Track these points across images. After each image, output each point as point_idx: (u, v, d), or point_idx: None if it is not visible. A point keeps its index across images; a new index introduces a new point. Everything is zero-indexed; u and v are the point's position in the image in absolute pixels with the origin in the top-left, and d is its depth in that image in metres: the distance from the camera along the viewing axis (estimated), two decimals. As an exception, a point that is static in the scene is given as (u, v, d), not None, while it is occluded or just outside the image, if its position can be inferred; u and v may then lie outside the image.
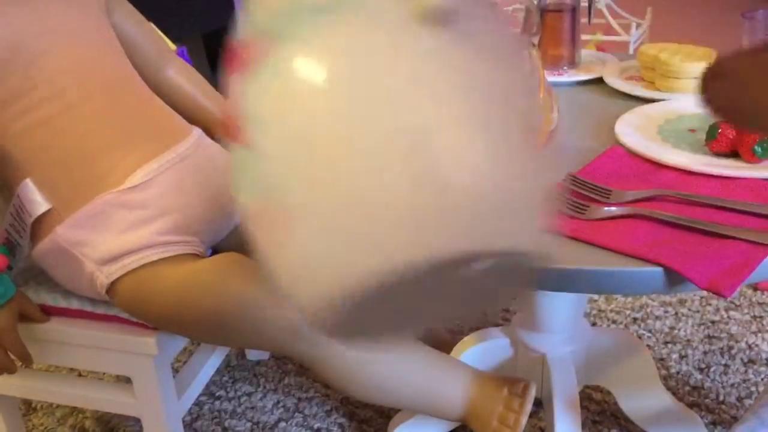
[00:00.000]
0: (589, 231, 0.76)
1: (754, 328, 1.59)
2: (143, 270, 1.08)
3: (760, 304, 1.66)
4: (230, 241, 1.30)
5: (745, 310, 1.65)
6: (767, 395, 0.93)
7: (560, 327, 1.18)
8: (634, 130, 0.97)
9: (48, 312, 1.19)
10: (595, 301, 1.71)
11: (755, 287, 1.71)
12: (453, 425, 1.31)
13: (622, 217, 0.79)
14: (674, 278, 0.70)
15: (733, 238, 0.73)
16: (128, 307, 1.10)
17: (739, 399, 1.41)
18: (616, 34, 1.99)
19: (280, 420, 1.43)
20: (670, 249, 0.72)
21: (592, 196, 0.83)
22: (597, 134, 1.01)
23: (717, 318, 1.63)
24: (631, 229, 0.76)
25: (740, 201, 0.79)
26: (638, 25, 2.07)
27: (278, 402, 1.48)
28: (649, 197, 0.82)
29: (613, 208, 0.80)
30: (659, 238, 0.74)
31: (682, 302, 1.69)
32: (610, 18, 1.97)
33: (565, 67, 1.25)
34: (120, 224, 1.08)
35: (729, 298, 1.68)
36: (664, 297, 1.70)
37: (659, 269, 0.71)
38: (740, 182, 0.84)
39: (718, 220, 0.76)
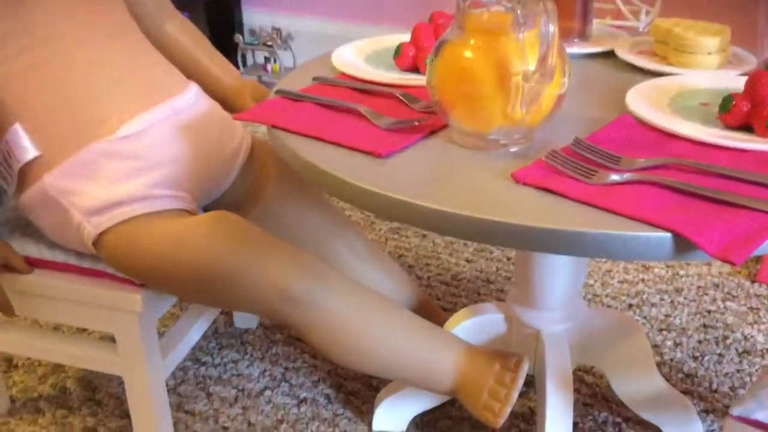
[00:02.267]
0: (598, 195, 0.74)
1: (750, 319, 1.57)
2: (132, 223, 1.05)
3: (757, 296, 1.64)
4: (223, 202, 1.27)
5: (742, 301, 1.63)
6: (766, 378, 0.91)
7: (556, 304, 1.16)
8: (645, 101, 0.94)
9: (32, 264, 1.16)
10: (591, 285, 1.69)
11: (753, 279, 1.69)
12: (441, 399, 1.29)
13: (631, 183, 0.76)
14: (683, 245, 0.68)
15: (746, 207, 0.71)
16: (115, 260, 1.07)
17: (733, 388, 1.39)
18: (626, 19, 1.96)
19: (266, 388, 1.41)
20: (680, 215, 0.70)
21: (601, 161, 0.80)
22: (606, 105, 0.98)
23: (713, 308, 1.61)
24: (640, 195, 0.74)
25: (753, 172, 0.77)
26: (648, 12, 2.04)
27: (265, 370, 1.45)
28: (659, 165, 0.79)
29: (622, 174, 0.77)
30: (669, 205, 0.72)
31: (678, 290, 1.67)
32: (620, 2, 1.94)
33: (575, 39, 1.22)
34: (110, 174, 1.05)
35: (726, 289, 1.66)
36: (660, 285, 1.68)
37: (668, 235, 0.68)
38: (753, 155, 0.82)
39: (730, 189, 0.74)
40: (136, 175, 1.06)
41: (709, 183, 0.75)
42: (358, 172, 0.80)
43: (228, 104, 1.32)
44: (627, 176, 0.77)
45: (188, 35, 1.34)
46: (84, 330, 1.56)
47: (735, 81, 1.00)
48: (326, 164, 0.82)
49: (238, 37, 2.78)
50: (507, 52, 0.79)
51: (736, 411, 0.86)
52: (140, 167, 1.06)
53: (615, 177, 0.76)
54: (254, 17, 2.89)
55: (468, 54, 0.81)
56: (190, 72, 1.30)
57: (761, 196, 0.73)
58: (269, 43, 2.77)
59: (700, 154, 0.82)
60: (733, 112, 0.87)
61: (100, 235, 1.06)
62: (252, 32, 2.89)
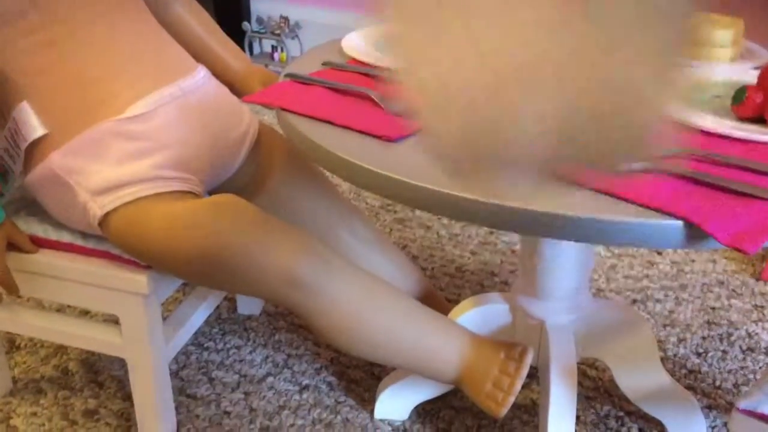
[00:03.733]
0: (611, 183, 0.73)
1: (754, 317, 1.57)
2: (138, 203, 1.04)
3: (761, 294, 1.64)
4: (229, 187, 1.27)
5: (747, 299, 1.62)
6: (774, 372, 0.90)
7: (562, 295, 1.15)
8: (657, 92, 0.94)
9: (38, 243, 1.16)
10: (595, 280, 1.69)
11: (758, 277, 1.69)
12: (444, 388, 1.28)
13: (644, 171, 0.75)
14: (695, 233, 0.67)
15: (758, 197, 0.70)
16: (120, 241, 1.07)
17: (736, 385, 1.38)
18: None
19: (268, 375, 1.41)
20: (692, 204, 0.69)
21: (612, 150, 0.79)
22: (617, 95, 0.97)
23: (718, 305, 1.61)
24: (653, 184, 0.73)
25: (765, 163, 0.76)
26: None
27: (267, 357, 1.45)
28: (673, 155, 0.79)
29: (636, 163, 0.76)
30: (681, 194, 0.71)
31: (683, 287, 1.66)
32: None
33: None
34: (117, 154, 1.04)
35: (731, 287, 1.66)
36: (664, 281, 1.68)
37: (679, 223, 0.68)
38: (765, 147, 0.81)
39: (743, 179, 0.73)
40: (143, 155, 1.05)
41: (721, 173, 0.75)
42: (368, 155, 0.80)
43: (236, 89, 1.32)
44: (640, 164, 0.76)
45: (197, 18, 1.33)
46: (88, 312, 1.56)
47: (747, 74, 1.00)
48: (336, 147, 0.82)
49: (245, 25, 2.77)
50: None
51: (742, 404, 0.86)
52: (148, 148, 1.06)
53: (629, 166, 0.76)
54: (262, 5, 2.88)
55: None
56: (198, 55, 1.30)
57: (774, 187, 0.72)
58: (277, 31, 2.76)
59: (712, 145, 0.82)
60: (746, 103, 0.87)
61: (106, 215, 1.05)
62: (260, 21, 2.88)
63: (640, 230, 0.68)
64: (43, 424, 1.29)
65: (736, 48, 1.08)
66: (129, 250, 1.08)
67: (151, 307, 1.15)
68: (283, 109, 0.92)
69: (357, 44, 1.12)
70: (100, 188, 1.04)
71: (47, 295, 1.19)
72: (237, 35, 2.76)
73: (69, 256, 1.15)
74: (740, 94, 0.87)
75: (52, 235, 1.15)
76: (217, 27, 1.35)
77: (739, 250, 0.64)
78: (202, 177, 1.15)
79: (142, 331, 1.15)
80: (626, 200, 0.71)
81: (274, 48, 2.79)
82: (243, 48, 2.81)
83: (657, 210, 0.69)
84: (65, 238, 1.15)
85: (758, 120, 0.87)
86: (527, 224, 0.70)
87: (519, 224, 0.70)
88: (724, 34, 1.06)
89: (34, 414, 1.31)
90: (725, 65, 1.05)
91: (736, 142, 0.83)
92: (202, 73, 1.19)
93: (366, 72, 1.03)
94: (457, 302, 1.47)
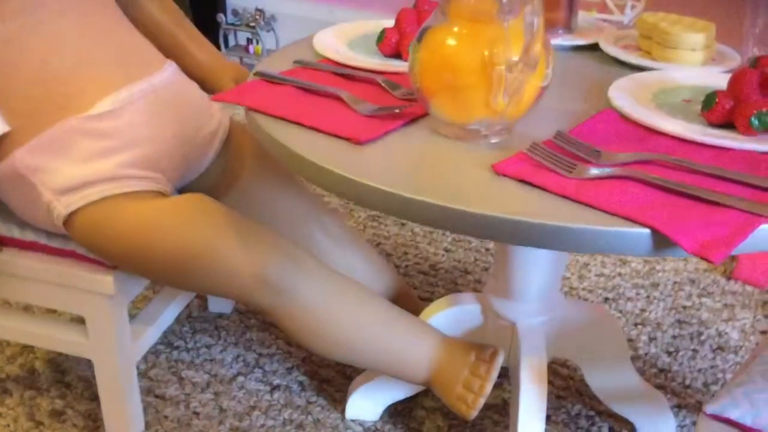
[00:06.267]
0: (578, 190, 0.73)
1: (725, 315, 1.58)
2: (104, 203, 1.03)
3: (732, 292, 1.65)
4: (198, 185, 1.25)
5: (717, 298, 1.63)
6: (741, 376, 0.91)
7: (533, 296, 1.15)
8: (628, 95, 0.93)
9: (1, 242, 1.13)
10: (567, 278, 1.69)
11: (729, 276, 1.70)
12: (416, 389, 1.28)
13: (611, 178, 0.75)
14: (661, 241, 0.67)
15: (726, 205, 0.70)
16: (86, 241, 1.05)
17: (706, 384, 1.39)
18: (611, 13, 1.95)
19: (238, 374, 1.39)
20: (660, 212, 0.69)
21: (581, 155, 0.79)
22: (589, 98, 0.97)
23: (689, 303, 1.62)
24: (620, 190, 0.73)
25: (734, 171, 0.76)
26: (633, 6, 2.03)
27: (238, 356, 1.44)
28: (641, 161, 0.78)
29: (603, 169, 0.76)
30: (648, 201, 0.71)
31: (654, 285, 1.67)
32: (606, -5, 1.93)
33: (560, 31, 1.20)
34: (83, 153, 1.02)
35: (702, 285, 1.67)
36: (636, 279, 1.69)
37: (646, 231, 0.67)
38: (735, 153, 0.81)
39: (711, 187, 0.73)
40: (109, 154, 1.03)
41: (690, 180, 0.75)
42: (336, 158, 0.79)
43: (207, 85, 1.29)
44: (608, 171, 0.76)
45: (167, 13, 1.31)
46: (55, 311, 1.53)
47: (718, 78, 1.00)
48: (303, 149, 0.80)
49: (220, 17, 2.74)
50: (491, 40, 0.77)
51: (709, 409, 0.86)
52: (114, 146, 1.04)
53: (595, 171, 0.76)
54: (238, -3, 2.85)
55: (451, 41, 0.79)
56: (169, 50, 1.28)
57: (742, 195, 0.72)
58: (252, 24, 2.73)
59: (681, 151, 0.81)
60: (716, 109, 0.86)
61: (71, 215, 1.03)
62: (235, 12, 2.85)
63: (606, 238, 0.68)
64: (8, 425, 1.27)
65: (708, 52, 1.07)
66: (95, 250, 1.06)
67: (117, 307, 1.13)
68: (252, 109, 0.91)
69: (329, 42, 1.11)
70: (64, 187, 1.02)
71: (12, 295, 1.17)
72: (211, 27, 2.72)
73: (33, 255, 1.13)
74: (710, 100, 0.87)
75: (17, 233, 1.13)
76: (188, 22, 1.33)
77: (705, 260, 0.64)
78: (171, 176, 1.13)
79: (108, 332, 1.14)
80: (592, 207, 0.70)
81: (249, 40, 2.76)
82: (218, 40, 2.78)
83: (623, 218, 0.68)
84: (30, 236, 1.12)
85: (728, 125, 0.87)
86: (493, 231, 0.69)
87: (485, 231, 0.69)
88: (696, 37, 1.06)
89: (0, 415, 1.29)
90: (697, 69, 1.05)
91: (705, 147, 0.83)
92: (170, 68, 1.17)
93: (338, 71, 1.01)
94: (430, 300, 1.47)
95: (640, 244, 0.68)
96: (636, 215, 0.68)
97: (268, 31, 2.75)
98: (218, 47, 2.74)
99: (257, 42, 2.75)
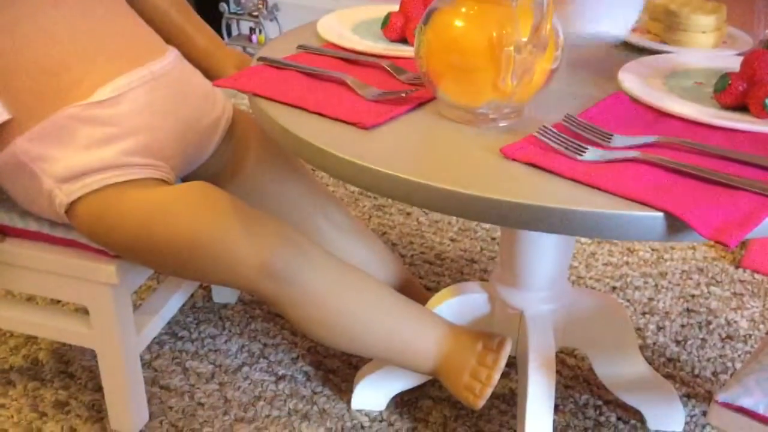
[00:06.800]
0: (588, 173, 0.71)
1: (733, 304, 1.57)
2: (105, 191, 1.01)
3: (741, 281, 1.64)
4: (201, 173, 1.23)
5: (726, 287, 1.62)
6: (752, 364, 0.89)
7: (541, 284, 1.14)
8: (639, 79, 0.92)
9: (4, 232, 1.12)
10: (575, 267, 1.67)
11: (738, 264, 1.68)
12: (422, 379, 1.27)
13: (622, 161, 0.73)
14: (675, 225, 0.65)
15: (742, 188, 0.68)
16: (88, 230, 1.04)
17: (715, 374, 1.38)
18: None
19: (243, 364, 1.38)
20: (673, 195, 0.67)
21: (592, 138, 0.77)
22: (598, 82, 0.95)
23: (697, 292, 1.60)
24: (632, 174, 0.71)
25: (748, 153, 0.74)
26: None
27: (243, 346, 1.43)
28: (653, 143, 0.77)
29: (614, 152, 0.74)
30: (661, 184, 0.69)
31: (662, 274, 1.65)
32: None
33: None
34: (84, 140, 1.01)
35: (710, 274, 1.65)
36: (644, 268, 1.67)
37: (660, 215, 0.66)
38: (747, 136, 0.79)
39: (724, 170, 0.72)
40: (111, 141, 1.02)
41: (702, 163, 0.73)
42: (341, 143, 0.77)
43: (211, 73, 1.28)
44: (619, 154, 0.74)
45: (170, 0, 1.29)
46: (59, 301, 1.52)
47: (730, 60, 0.98)
48: (308, 134, 0.79)
49: (223, 7, 2.72)
50: (499, 21, 0.75)
51: (721, 397, 0.84)
52: (116, 134, 1.02)
53: (606, 154, 0.74)
54: (240, -13, 2.83)
55: (458, 23, 0.78)
56: (171, 37, 1.26)
57: (756, 177, 0.70)
58: (255, 13, 2.72)
59: (693, 134, 0.80)
60: (729, 91, 0.85)
61: (73, 203, 1.02)
62: (238, 2, 2.83)
63: (618, 222, 0.66)
64: (12, 416, 1.26)
65: (719, 34, 1.06)
66: (97, 240, 1.05)
67: (120, 297, 1.12)
68: (255, 95, 0.89)
69: (334, 27, 1.09)
70: (66, 175, 1.01)
71: (14, 286, 1.16)
72: (214, 17, 2.71)
73: (36, 245, 1.12)
74: (723, 82, 0.85)
75: (19, 223, 1.12)
76: (191, 9, 1.31)
77: (721, 244, 0.62)
78: (174, 163, 1.11)
79: (111, 322, 1.13)
80: (603, 191, 0.69)
81: (252, 30, 2.74)
82: (220, 30, 2.76)
83: (637, 201, 0.67)
84: (32, 226, 1.11)
85: (741, 108, 0.85)
86: (503, 215, 0.68)
87: (494, 215, 0.68)
88: (706, 19, 1.04)
89: (3, 406, 1.28)
90: (707, 51, 1.03)
91: (718, 130, 0.81)
92: (172, 55, 1.15)
93: (342, 56, 1.00)
94: (436, 290, 1.45)
95: (653, 229, 0.66)
96: (649, 199, 0.67)
97: (271, 20, 2.74)
98: (221, 37, 2.72)
99: (260, 31, 2.73)
